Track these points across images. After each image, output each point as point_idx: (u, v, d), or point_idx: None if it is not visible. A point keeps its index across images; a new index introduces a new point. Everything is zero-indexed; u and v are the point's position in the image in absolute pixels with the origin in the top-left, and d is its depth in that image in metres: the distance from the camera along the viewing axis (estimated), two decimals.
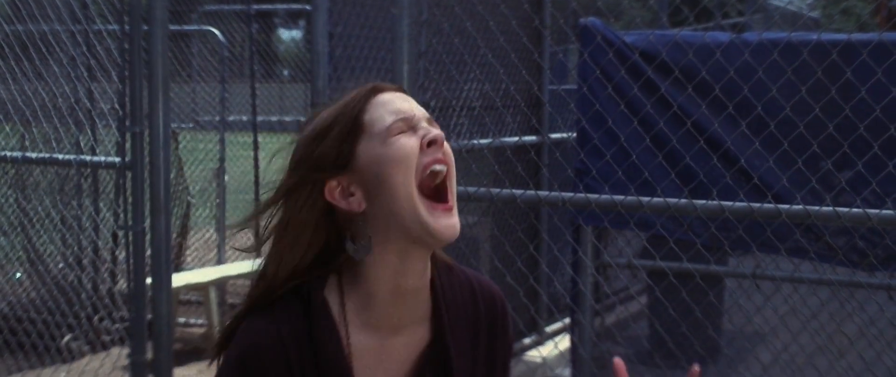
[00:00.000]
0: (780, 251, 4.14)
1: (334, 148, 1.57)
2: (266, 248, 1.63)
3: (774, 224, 3.89)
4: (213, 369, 1.65)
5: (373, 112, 1.59)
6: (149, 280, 3.98)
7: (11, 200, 6.06)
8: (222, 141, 7.71)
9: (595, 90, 4.33)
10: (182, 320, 6.81)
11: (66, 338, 5.76)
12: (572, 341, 4.71)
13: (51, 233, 6.15)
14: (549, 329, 6.01)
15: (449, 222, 1.56)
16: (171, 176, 4.66)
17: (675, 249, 4.19)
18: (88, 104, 5.63)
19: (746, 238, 4.12)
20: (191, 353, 6.16)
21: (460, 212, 1.64)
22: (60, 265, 6.17)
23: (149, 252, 3.96)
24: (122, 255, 6.02)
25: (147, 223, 3.97)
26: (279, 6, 13.08)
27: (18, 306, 6.11)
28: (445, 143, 1.59)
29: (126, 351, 4.31)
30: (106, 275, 6.24)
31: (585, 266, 4.53)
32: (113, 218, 5.98)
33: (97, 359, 5.48)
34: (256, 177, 7.50)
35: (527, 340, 5.82)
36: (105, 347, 5.83)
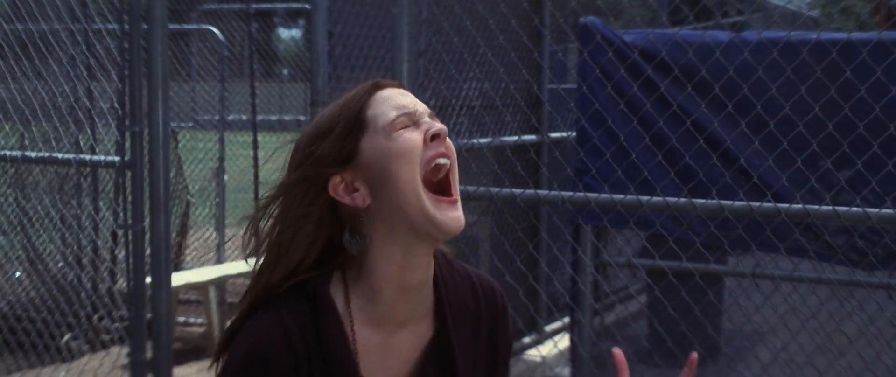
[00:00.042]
0: (780, 250, 4.15)
1: (338, 144, 1.58)
2: (268, 246, 1.63)
3: (774, 223, 3.90)
4: (215, 367, 1.64)
5: (375, 108, 1.60)
6: (148, 279, 3.98)
7: (11, 199, 6.06)
8: (222, 140, 7.71)
9: (594, 89, 4.33)
10: (181, 319, 6.81)
11: (66, 337, 5.76)
12: (572, 340, 4.71)
13: (50, 232, 6.15)
14: (549, 328, 6.01)
15: (454, 215, 1.58)
16: (171, 175, 4.65)
17: (674, 248, 4.20)
18: (88, 103, 5.63)
19: (746, 237, 4.12)
20: (190, 352, 6.16)
21: None
22: (60, 264, 6.17)
23: (148, 251, 3.96)
24: (121, 254, 6.03)
25: (146, 222, 3.97)
26: (279, 5, 13.07)
27: (18, 305, 6.11)
28: (447, 138, 1.61)
29: (126, 350, 4.32)
30: (105, 274, 6.24)
31: (585, 265, 4.53)
32: (112, 217, 5.98)
33: (97, 359, 5.47)
34: (256, 176, 7.50)
35: (526, 339, 5.82)
36: (105, 346, 5.82)
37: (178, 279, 5.95)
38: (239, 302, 1.67)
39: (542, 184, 5.45)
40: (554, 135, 5.93)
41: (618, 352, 1.68)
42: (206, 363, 5.96)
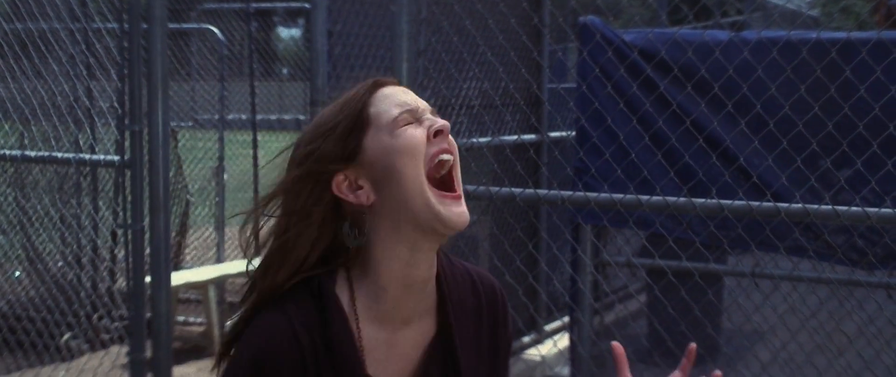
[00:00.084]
0: (779, 249, 4.14)
1: (340, 142, 1.58)
2: (269, 245, 1.63)
3: (773, 222, 3.89)
4: (218, 368, 1.63)
5: (378, 105, 1.60)
6: (148, 278, 3.98)
7: (11, 199, 6.06)
8: (221, 139, 7.71)
9: (594, 89, 4.33)
10: (181, 319, 6.81)
11: (66, 336, 5.76)
12: (571, 340, 4.71)
13: (50, 231, 6.15)
14: (549, 327, 6.01)
15: (459, 210, 1.59)
16: (171, 174, 4.66)
17: (674, 248, 4.19)
18: (87, 102, 5.62)
19: (745, 236, 4.12)
20: (190, 352, 6.16)
21: None
22: (59, 263, 6.17)
23: (148, 250, 3.96)
24: (121, 254, 6.03)
25: (146, 221, 3.97)
26: (278, 4, 13.08)
27: (18, 305, 6.11)
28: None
29: (125, 349, 4.32)
30: (105, 273, 6.24)
31: (584, 264, 4.53)
32: (112, 216, 5.98)
33: (96, 358, 5.47)
34: (256, 175, 7.50)
35: (526, 339, 5.82)
36: (104, 346, 5.83)
37: (178, 278, 5.96)
38: (240, 301, 1.66)
39: (541, 183, 5.45)
40: (553, 134, 5.93)
41: (617, 344, 1.71)
42: (205, 362, 5.96)
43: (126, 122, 4.18)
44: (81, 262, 6.07)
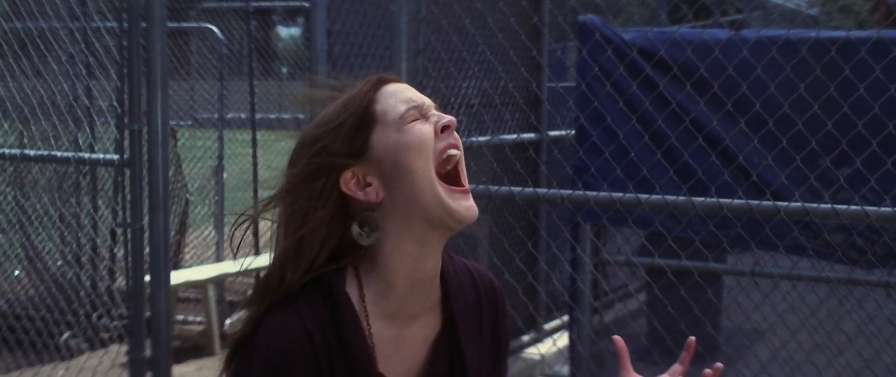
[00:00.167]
0: (779, 248, 4.15)
1: (347, 139, 1.59)
2: (275, 244, 1.63)
3: (773, 221, 3.90)
4: (213, 366, 1.63)
5: (384, 102, 1.61)
6: (147, 277, 3.98)
7: (10, 198, 6.06)
8: (221, 138, 7.71)
9: (594, 87, 4.33)
10: (181, 318, 6.81)
11: (65, 335, 5.76)
12: (571, 338, 4.71)
13: (49, 230, 6.15)
14: (548, 326, 6.01)
15: (468, 204, 1.60)
16: (170, 173, 4.65)
17: (673, 247, 4.20)
18: (87, 101, 5.62)
19: (745, 235, 4.12)
20: (189, 351, 6.16)
21: None
22: (59, 263, 6.17)
23: (147, 249, 3.96)
24: (120, 253, 6.03)
25: (145, 220, 3.97)
26: (278, 3, 13.06)
27: (17, 304, 6.11)
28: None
29: (125, 348, 4.32)
30: (104, 272, 6.24)
31: (584, 263, 4.53)
32: (111, 215, 5.98)
33: (96, 357, 5.47)
34: (255, 174, 7.50)
35: (525, 337, 5.82)
36: (104, 345, 5.82)
37: (177, 277, 5.96)
38: (248, 301, 1.65)
39: (541, 182, 5.45)
40: (553, 133, 5.93)
41: (618, 339, 1.74)
42: (204, 361, 5.96)
43: (125, 120, 4.18)
44: (81, 261, 6.07)
